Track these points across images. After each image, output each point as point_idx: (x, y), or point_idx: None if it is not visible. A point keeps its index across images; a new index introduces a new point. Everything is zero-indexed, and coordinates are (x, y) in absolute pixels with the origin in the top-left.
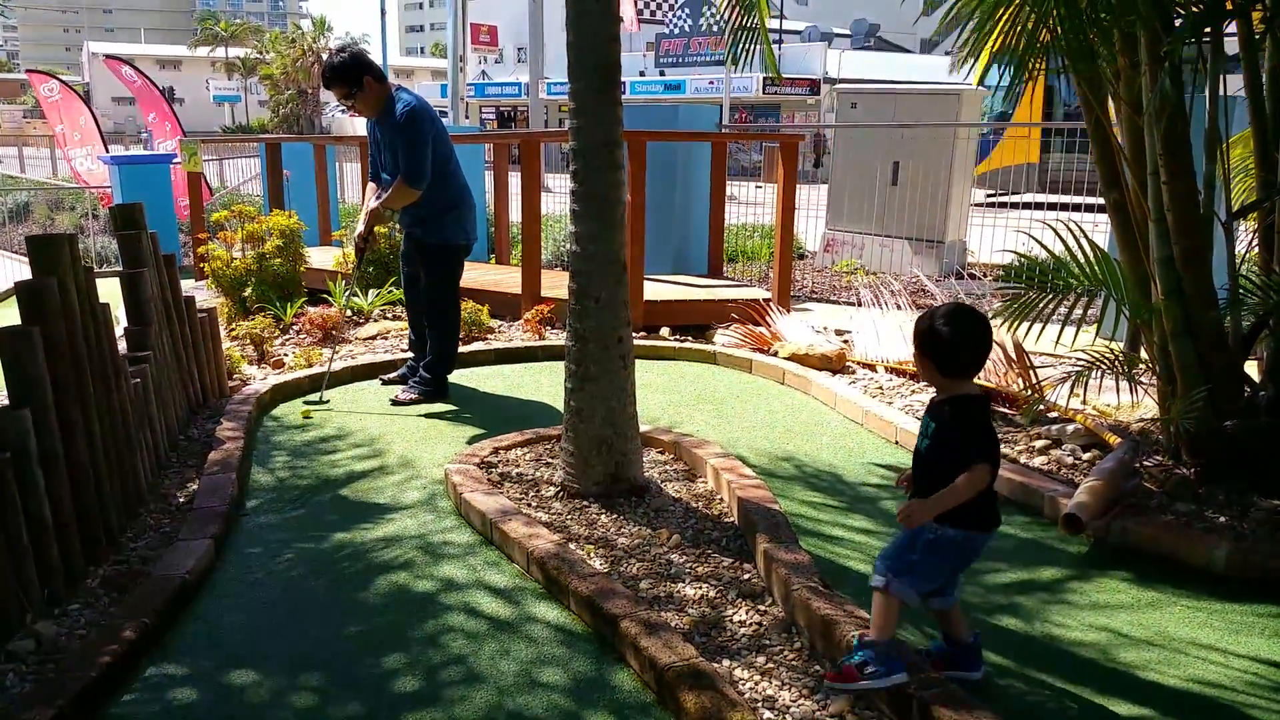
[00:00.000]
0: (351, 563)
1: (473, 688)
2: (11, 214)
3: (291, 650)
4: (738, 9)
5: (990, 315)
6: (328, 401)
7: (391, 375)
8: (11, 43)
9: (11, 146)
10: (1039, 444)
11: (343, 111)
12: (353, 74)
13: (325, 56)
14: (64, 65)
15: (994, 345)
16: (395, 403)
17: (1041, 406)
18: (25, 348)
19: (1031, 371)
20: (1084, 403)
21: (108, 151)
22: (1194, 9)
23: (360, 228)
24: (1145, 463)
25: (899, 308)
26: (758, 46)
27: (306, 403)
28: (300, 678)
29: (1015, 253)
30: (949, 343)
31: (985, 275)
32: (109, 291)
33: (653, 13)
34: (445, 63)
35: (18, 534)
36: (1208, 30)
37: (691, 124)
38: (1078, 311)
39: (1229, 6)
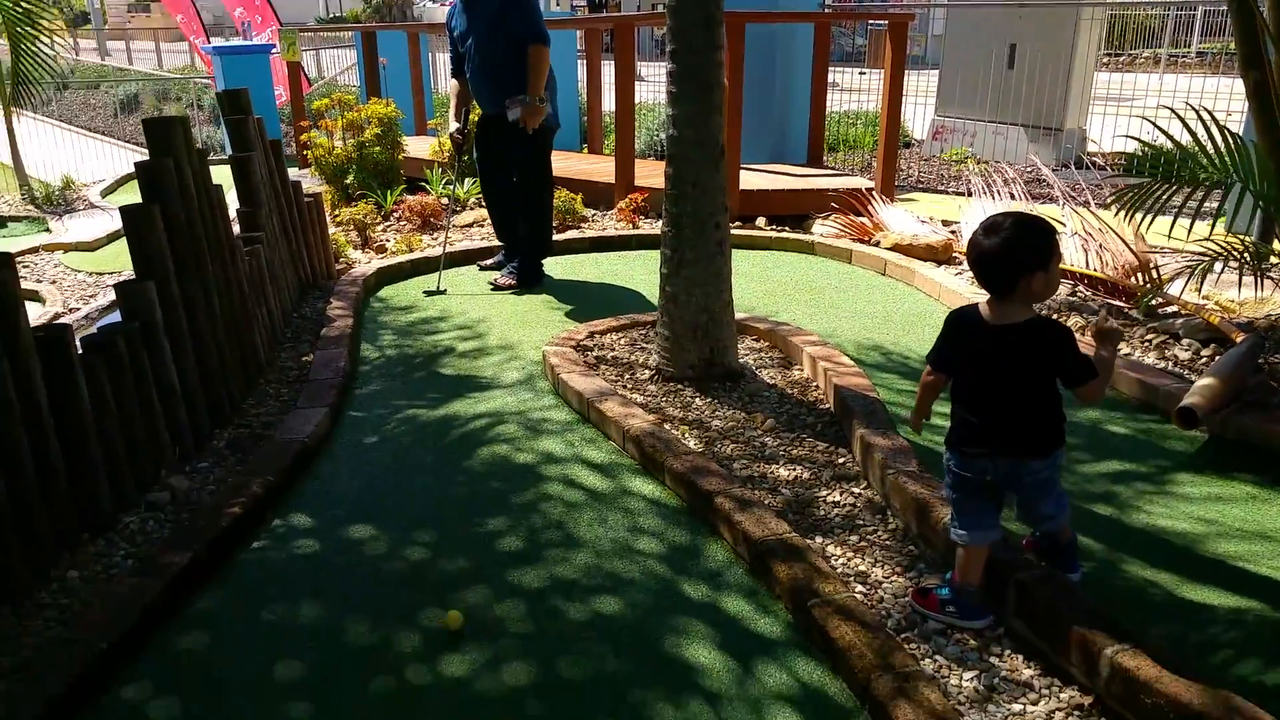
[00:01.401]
0: (456, 434)
1: (572, 550)
2: (122, 105)
3: (403, 509)
4: None
5: (1108, 203)
6: (445, 291)
7: (488, 262)
8: None
9: (120, 41)
10: (1155, 339)
11: (433, 1)
12: None
13: None
14: None
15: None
16: (495, 287)
17: (1160, 300)
18: (146, 224)
19: (1152, 265)
20: (1205, 298)
21: (209, 43)
22: None
23: (530, 121)
24: (1271, 359)
25: (1013, 198)
26: None
27: (426, 293)
28: (413, 534)
29: (1139, 140)
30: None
31: (1106, 165)
32: (219, 178)
33: None
34: None
35: (149, 396)
36: None
37: (793, 5)
38: (1197, 202)
39: None
